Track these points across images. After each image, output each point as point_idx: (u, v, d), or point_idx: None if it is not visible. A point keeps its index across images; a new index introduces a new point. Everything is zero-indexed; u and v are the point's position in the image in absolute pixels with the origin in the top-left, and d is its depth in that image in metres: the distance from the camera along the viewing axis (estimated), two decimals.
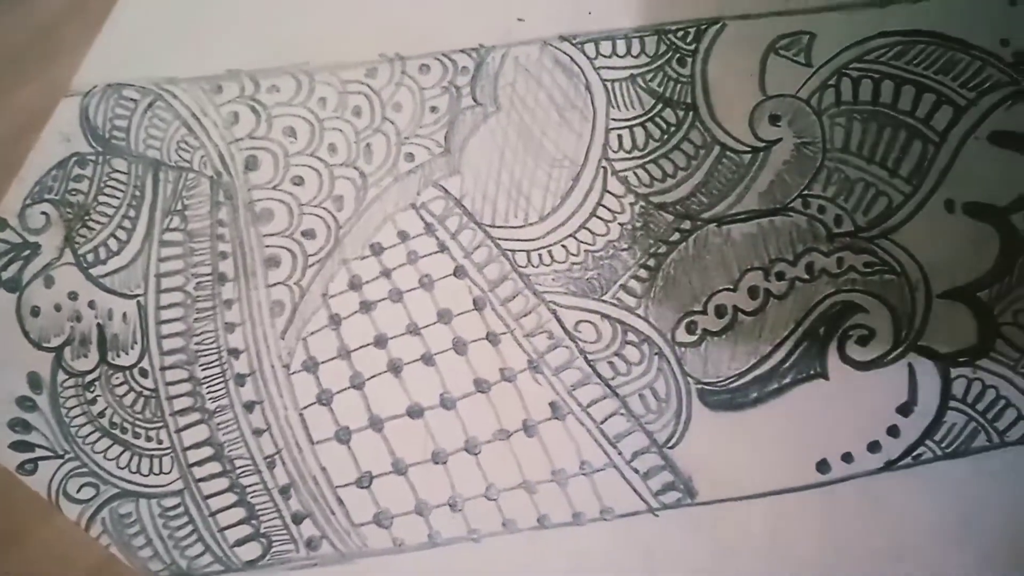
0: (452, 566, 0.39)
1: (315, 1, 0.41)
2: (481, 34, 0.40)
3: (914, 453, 0.38)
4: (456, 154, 0.40)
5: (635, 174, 0.39)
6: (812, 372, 0.38)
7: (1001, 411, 0.38)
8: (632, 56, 0.40)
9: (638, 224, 0.39)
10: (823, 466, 0.38)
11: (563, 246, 0.40)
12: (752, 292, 0.39)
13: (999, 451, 0.38)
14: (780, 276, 0.39)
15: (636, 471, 0.39)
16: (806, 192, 0.39)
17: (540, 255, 0.39)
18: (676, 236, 0.39)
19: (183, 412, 0.39)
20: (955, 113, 0.39)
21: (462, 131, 0.40)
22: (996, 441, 0.38)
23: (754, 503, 0.38)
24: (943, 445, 0.38)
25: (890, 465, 0.38)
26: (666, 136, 0.39)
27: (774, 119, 0.39)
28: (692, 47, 0.39)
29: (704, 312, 0.39)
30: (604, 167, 0.40)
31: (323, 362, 0.39)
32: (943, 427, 0.38)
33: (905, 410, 0.38)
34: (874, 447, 0.38)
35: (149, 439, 0.39)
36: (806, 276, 0.39)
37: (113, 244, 0.40)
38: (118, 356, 0.40)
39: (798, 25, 0.39)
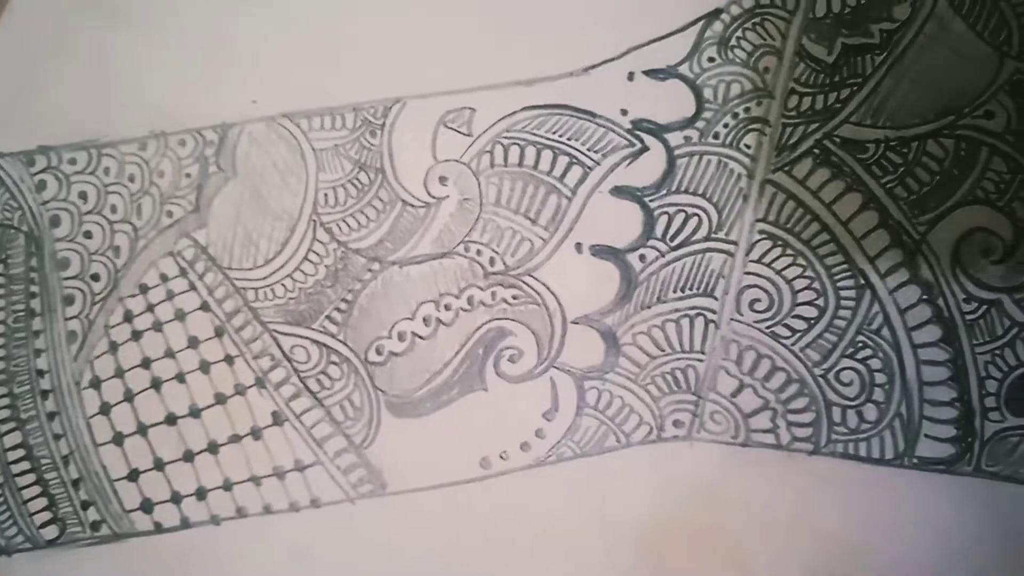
0: (198, 544, 0.43)
1: (100, 90, 0.46)
2: (224, 114, 0.45)
3: (558, 451, 0.42)
4: (204, 211, 0.44)
5: (338, 225, 0.43)
6: (475, 385, 0.42)
7: (626, 417, 0.41)
8: (336, 129, 0.44)
9: (339, 266, 0.43)
10: (485, 463, 0.42)
11: (282, 284, 0.44)
12: (426, 320, 0.42)
13: (628, 450, 0.41)
14: (448, 307, 0.42)
15: (338, 467, 0.42)
16: (467, 239, 0.42)
17: (265, 292, 0.44)
18: (368, 275, 0.43)
19: (4, 421, 0.45)
20: (584, 172, 0.41)
21: (209, 193, 0.44)
22: (623, 442, 0.41)
23: (433, 493, 0.42)
24: (581, 444, 0.41)
25: (540, 462, 0.42)
26: (361, 194, 0.43)
27: (443, 180, 0.42)
28: (381, 122, 0.43)
29: (390, 337, 0.43)
30: (314, 220, 0.43)
31: (104, 380, 0.44)
32: (580, 430, 0.41)
33: (549, 416, 0.42)
34: (525, 447, 0.42)
35: None
36: (468, 307, 0.42)
37: None
38: None
39: (462, 102, 0.42)
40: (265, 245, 0.43)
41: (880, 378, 0.39)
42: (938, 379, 0.39)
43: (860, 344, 0.39)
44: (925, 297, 0.39)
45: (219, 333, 0.44)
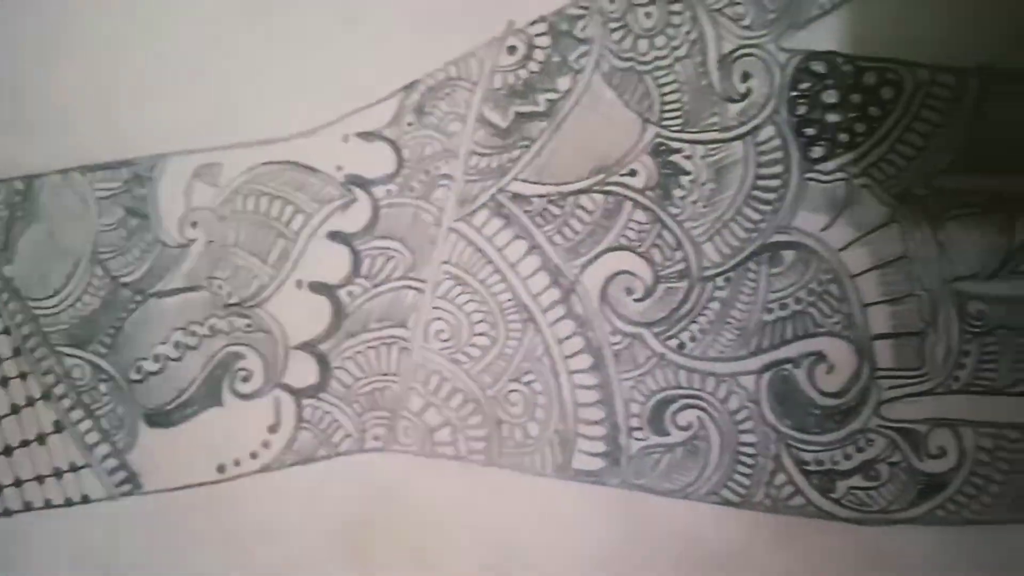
0: None
1: None
2: (30, 166, 0.51)
3: (281, 460, 0.47)
4: (11, 249, 0.51)
5: (112, 263, 0.49)
6: (213, 401, 0.47)
7: (335, 430, 0.46)
8: (114, 181, 0.49)
9: (111, 298, 0.49)
10: (222, 468, 0.47)
11: (67, 312, 0.50)
12: (177, 345, 0.48)
13: (335, 459, 0.47)
14: (194, 333, 0.47)
15: (105, 469, 0.48)
16: (211, 275, 0.48)
17: (54, 318, 0.50)
18: (133, 305, 0.48)
19: None
20: (305, 219, 0.46)
21: (15, 234, 0.51)
22: (332, 452, 0.46)
23: (179, 493, 0.48)
24: (299, 453, 0.47)
25: (266, 468, 0.47)
26: (131, 236, 0.49)
27: (194, 224, 0.48)
28: (148, 175, 0.49)
29: (147, 359, 0.48)
30: (94, 258, 0.49)
31: None
32: (298, 441, 0.46)
33: (273, 429, 0.47)
34: (254, 455, 0.47)
35: None
36: (209, 333, 0.47)
37: None
38: None
39: (212, 158, 0.48)
40: (56, 279, 0.50)
41: (542, 399, 0.44)
42: (590, 401, 0.44)
43: (525, 369, 0.45)
44: (579, 330, 0.44)
45: (16, 353, 0.50)
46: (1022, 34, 0.39)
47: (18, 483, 0.48)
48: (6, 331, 0.49)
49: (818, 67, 0.41)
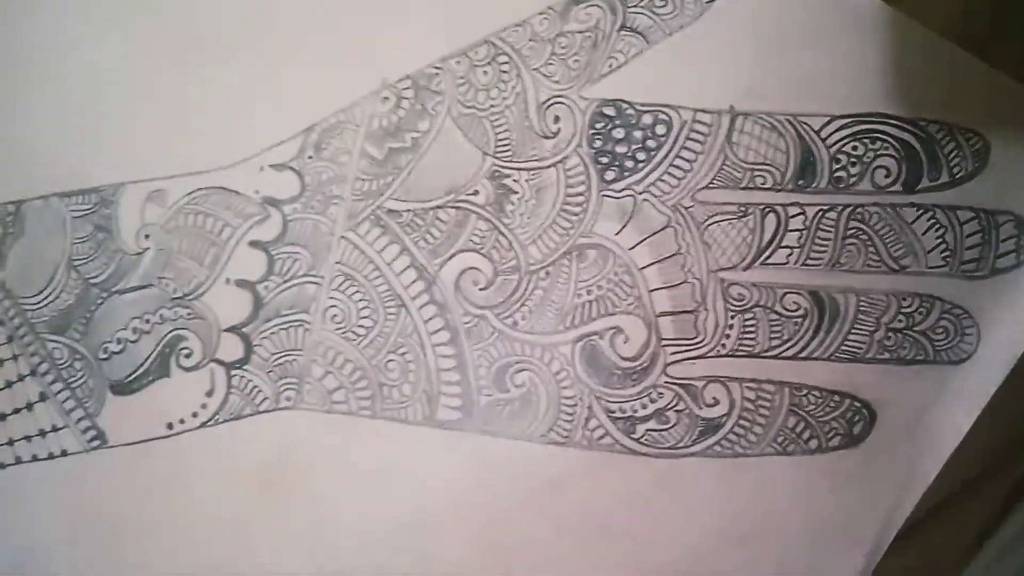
0: None
1: None
2: (17, 192, 0.62)
3: (215, 419, 0.61)
4: (4, 259, 0.61)
5: (84, 267, 0.59)
6: (164, 373, 0.58)
7: (256, 394, 0.57)
8: (84, 204, 0.59)
9: (82, 295, 0.59)
10: (170, 426, 0.58)
11: (48, 307, 0.60)
12: (134, 331, 0.58)
13: (257, 416, 0.59)
14: (147, 321, 0.57)
15: (80, 429, 0.59)
16: (160, 275, 0.58)
17: (38, 311, 0.60)
18: (100, 300, 0.58)
19: None
20: (232, 231, 0.57)
21: (7, 246, 0.61)
22: (254, 411, 0.57)
23: (140, 446, 0.59)
24: (230, 413, 0.58)
25: (203, 425, 0.59)
26: (98, 246, 0.59)
27: (147, 236, 0.58)
28: (113, 198, 0.59)
29: (112, 341, 0.58)
30: (69, 264, 0.59)
31: None
32: (228, 404, 0.57)
33: (209, 394, 0.58)
34: (195, 415, 0.58)
35: None
36: (159, 321, 0.58)
37: None
38: None
39: (159, 185, 0.59)
40: (39, 281, 0.63)
41: (412, 366, 0.57)
42: (449, 367, 0.57)
43: (400, 344, 0.58)
44: (439, 313, 0.58)
45: (9, 340, 0.62)
46: (751, 86, 0.53)
47: (10, 442, 0.60)
48: (0, 323, 0.62)
49: (609, 111, 0.54)
